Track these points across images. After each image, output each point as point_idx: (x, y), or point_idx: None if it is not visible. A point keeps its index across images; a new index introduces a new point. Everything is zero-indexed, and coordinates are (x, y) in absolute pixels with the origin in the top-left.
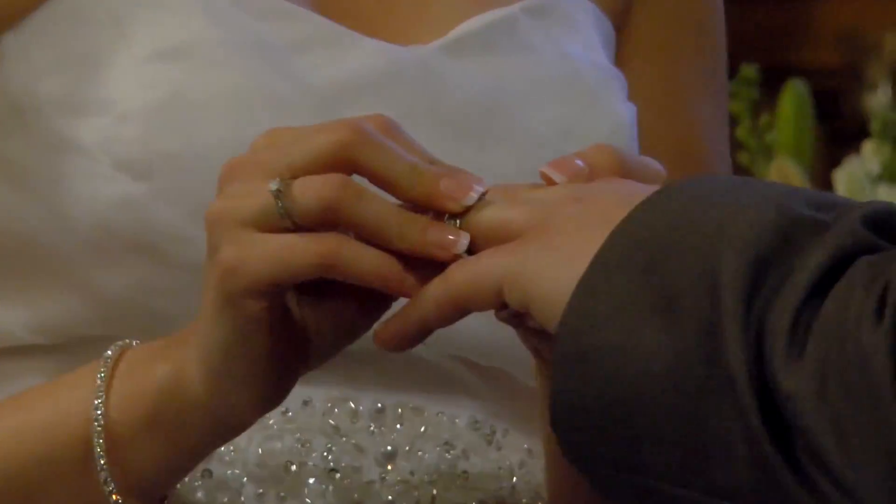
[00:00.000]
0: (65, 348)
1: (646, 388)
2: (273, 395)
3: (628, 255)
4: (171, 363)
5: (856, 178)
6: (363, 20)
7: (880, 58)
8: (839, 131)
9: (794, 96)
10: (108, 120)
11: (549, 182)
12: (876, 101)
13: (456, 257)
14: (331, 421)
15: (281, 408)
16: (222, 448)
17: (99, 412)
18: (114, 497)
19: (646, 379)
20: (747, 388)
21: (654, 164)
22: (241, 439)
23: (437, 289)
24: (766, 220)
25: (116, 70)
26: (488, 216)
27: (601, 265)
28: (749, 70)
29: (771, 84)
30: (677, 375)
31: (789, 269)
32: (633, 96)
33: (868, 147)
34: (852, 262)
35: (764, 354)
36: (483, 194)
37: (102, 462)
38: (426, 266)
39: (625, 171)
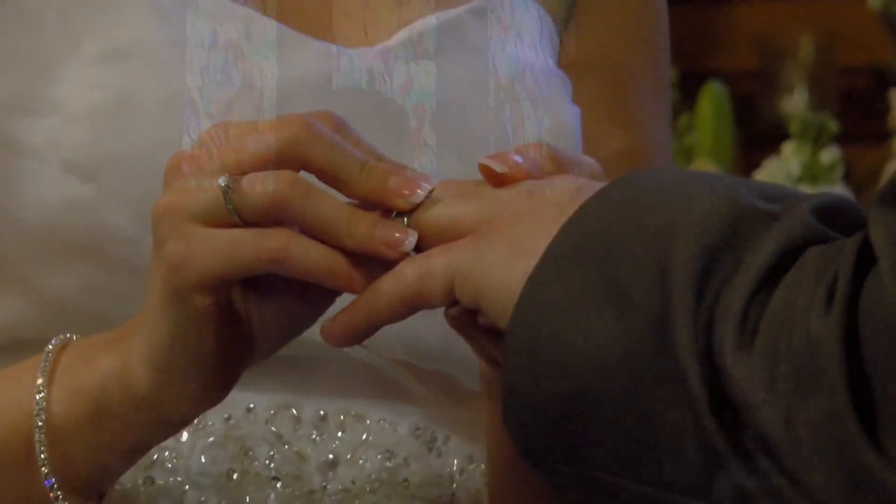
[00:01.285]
0: (8, 350)
1: (598, 380)
2: (216, 390)
3: (580, 247)
4: (114, 357)
5: (776, 179)
6: (309, 21)
7: (796, 60)
8: (756, 134)
9: (712, 98)
10: (57, 121)
11: (488, 175)
12: (793, 103)
13: (403, 255)
14: (273, 428)
15: (224, 414)
16: (165, 454)
17: (40, 406)
18: (54, 492)
19: (597, 371)
20: (697, 379)
21: (590, 162)
22: (184, 446)
23: (388, 285)
24: (717, 212)
25: (65, 70)
26: (437, 213)
27: (553, 257)
28: None
29: (689, 87)
30: (629, 367)
31: (739, 259)
32: (577, 97)
33: (788, 148)
34: (802, 253)
35: (714, 344)
36: (430, 192)
37: (43, 456)
38: (374, 262)
39: (560, 168)
